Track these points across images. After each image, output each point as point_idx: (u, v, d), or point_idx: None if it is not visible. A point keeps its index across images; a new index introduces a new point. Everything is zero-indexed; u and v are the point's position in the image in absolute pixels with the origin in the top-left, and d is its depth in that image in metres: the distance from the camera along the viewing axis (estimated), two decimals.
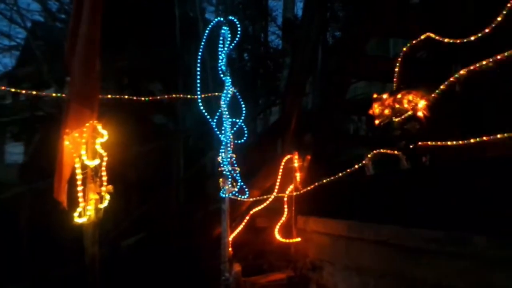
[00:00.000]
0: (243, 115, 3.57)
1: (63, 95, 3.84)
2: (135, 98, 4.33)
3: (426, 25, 2.90)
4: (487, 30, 2.37)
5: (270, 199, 3.73)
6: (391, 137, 2.70)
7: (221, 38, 3.29)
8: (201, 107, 3.28)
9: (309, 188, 3.49)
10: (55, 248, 4.36)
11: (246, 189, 3.49)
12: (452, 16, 3.37)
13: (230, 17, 3.38)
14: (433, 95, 2.43)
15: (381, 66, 3.64)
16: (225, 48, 3.30)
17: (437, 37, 2.70)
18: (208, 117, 3.31)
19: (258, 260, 4.02)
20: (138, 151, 5.83)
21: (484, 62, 2.16)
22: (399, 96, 2.66)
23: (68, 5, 7.58)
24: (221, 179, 3.22)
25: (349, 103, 5.32)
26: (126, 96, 4.40)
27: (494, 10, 2.38)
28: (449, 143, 2.32)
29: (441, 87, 2.35)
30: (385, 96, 2.78)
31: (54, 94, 4.29)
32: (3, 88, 6.36)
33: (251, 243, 4.07)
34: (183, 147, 6.29)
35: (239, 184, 3.34)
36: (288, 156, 3.69)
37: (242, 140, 3.57)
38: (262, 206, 3.78)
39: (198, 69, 3.26)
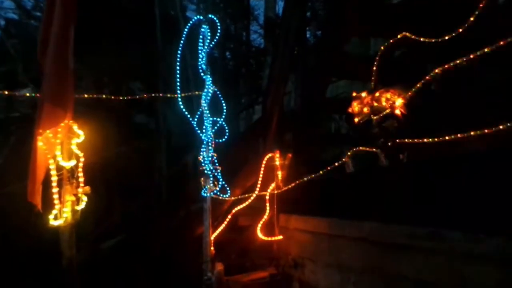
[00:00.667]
0: (224, 113, 3.57)
1: (38, 95, 3.73)
2: (113, 97, 4.25)
3: (404, 24, 2.95)
4: (460, 30, 2.44)
5: (252, 198, 3.73)
6: (370, 135, 2.74)
7: (201, 36, 3.28)
8: (182, 106, 3.26)
9: (290, 186, 3.51)
10: (30, 254, 4.22)
11: (228, 188, 3.49)
12: (428, 16, 3.45)
13: (210, 16, 3.37)
14: (409, 93, 2.48)
15: (361, 65, 3.68)
16: (205, 47, 3.29)
17: (413, 37, 2.76)
18: (189, 116, 3.29)
19: (240, 258, 4.02)
20: (119, 151, 5.73)
21: (458, 61, 2.23)
22: (377, 94, 2.70)
23: (43, 3, 7.37)
24: (202, 178, 3.20)
25: (330, 101, 5.37)
26: (104, 96, 4.31)
27: (467, 11, 2.45)
28: (425, 140, 2.38)
29: (417, 85, 2.41)
30: (364, 94, 2.82)
31: (28, 94, 4.15)
32: None
33: (234, 242, 4.07)
34: (165, 147, 6.23)
35: (220, 183, 3.34)
36: (270, 155, 3.70)
37: (223, 139, 3.56)
38: (244, 204, 3.78)
39: (178, 68, 3.23)
